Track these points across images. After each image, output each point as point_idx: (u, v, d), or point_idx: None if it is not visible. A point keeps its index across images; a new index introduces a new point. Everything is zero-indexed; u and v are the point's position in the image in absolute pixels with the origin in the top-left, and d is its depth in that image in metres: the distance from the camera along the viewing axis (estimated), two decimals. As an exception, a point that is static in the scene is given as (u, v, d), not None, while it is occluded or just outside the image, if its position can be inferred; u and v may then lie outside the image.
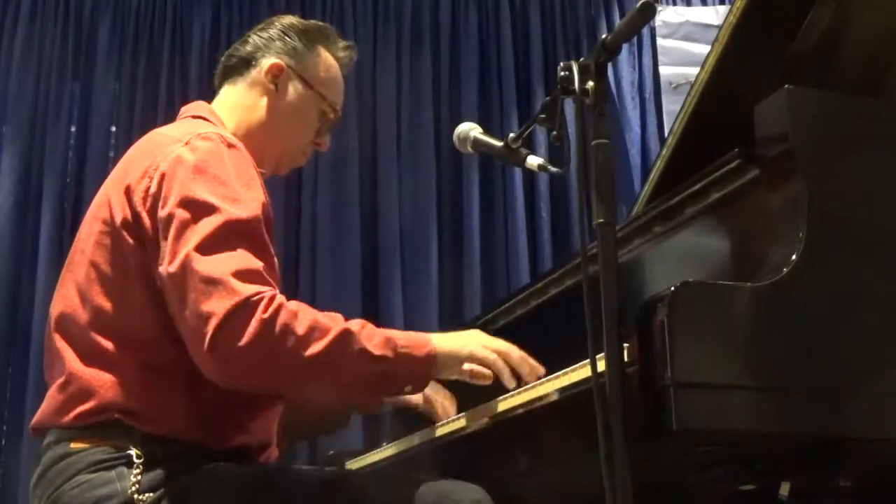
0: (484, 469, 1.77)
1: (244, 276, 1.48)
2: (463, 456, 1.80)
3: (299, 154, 1.92)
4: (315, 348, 1.48)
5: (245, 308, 1.45)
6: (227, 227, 1.52)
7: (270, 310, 1.46)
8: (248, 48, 1.87)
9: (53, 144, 3.90)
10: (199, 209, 1.52)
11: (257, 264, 1.51)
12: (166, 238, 1.52)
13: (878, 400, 1.36)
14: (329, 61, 1.90)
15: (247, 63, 1.86)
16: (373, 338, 1.55)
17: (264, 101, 1.84)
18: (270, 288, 1.49)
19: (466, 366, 1.66)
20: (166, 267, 1.50)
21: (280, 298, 1.49)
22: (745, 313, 1.31)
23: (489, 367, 1.66)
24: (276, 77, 1.84)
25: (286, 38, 1.87)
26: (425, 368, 1.61)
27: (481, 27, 4.27)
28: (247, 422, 1.65)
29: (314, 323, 1.50)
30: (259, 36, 1.89)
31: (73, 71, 4.01)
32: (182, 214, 1.52)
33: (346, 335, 1.52)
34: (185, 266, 1.48)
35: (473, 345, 1.67)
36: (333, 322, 1.53)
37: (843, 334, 1.36)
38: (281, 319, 1.46)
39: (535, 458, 1.66)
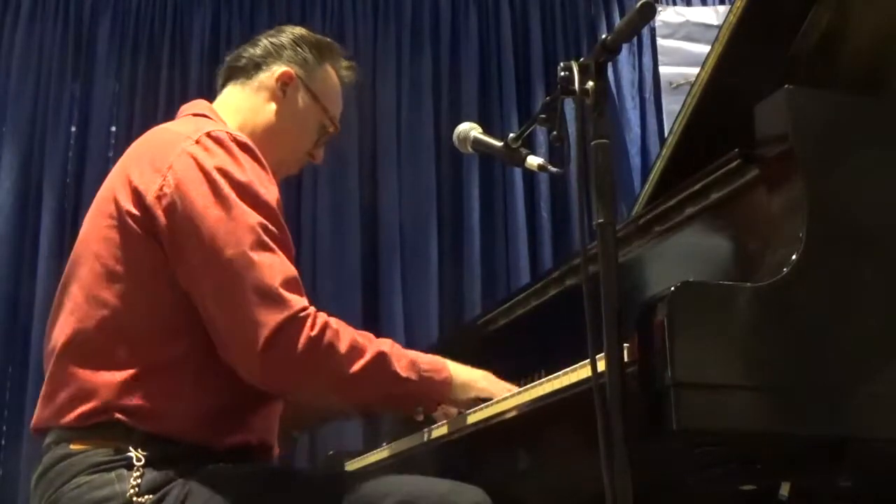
0: (484, 469, 1.77)
1: (290, 286, 1.54)
2: (462, 456, 1.80)
3: (294, 163, 1.95)
4: (355, 367, 1.57)
5: (295, 323, 1.51)
6: (261, 231, 1.56)
7: (317, 328, 1.53)
8: (259, 52, 1.89)
9: (53, 144, 3.89)
10: (229, 212, 1.55)
11: (294, 271, 1.57)
12: (197, 241, 1.54)
13: (878, 400, 1.35)
14: (333, 78, 1.94)
15: (256, 66, 1.88)
16: (401, 359, 1.64)
17: (271, 106, 1.86)
18: (308, 302, 1.56)
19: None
20: (205, 270, 1.54)
21: (323, 316, 1.56)
22: (745, 313, 1.31)
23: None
24: (286, 84, 1.86)
25: (298, 48, 1.89)
26: (441, 392, 1.70)
27: (481, 27, 4.27)
28: (249, 420, 1.65)
29: (354, 342, 1.58)
30: (270, 41, 1.91)
31: (73, 71, 4.01)
32: (212, 216, 1.54)
33: (381, 357, 1.61)
34: (229, 270, 1.53)
35: (488, 382, 1.75)
36: (369, 342, 1.61)
37: (843, 334, 1.36)
38: (327, 338, 1.54)
39: (536, 458, 1.66)
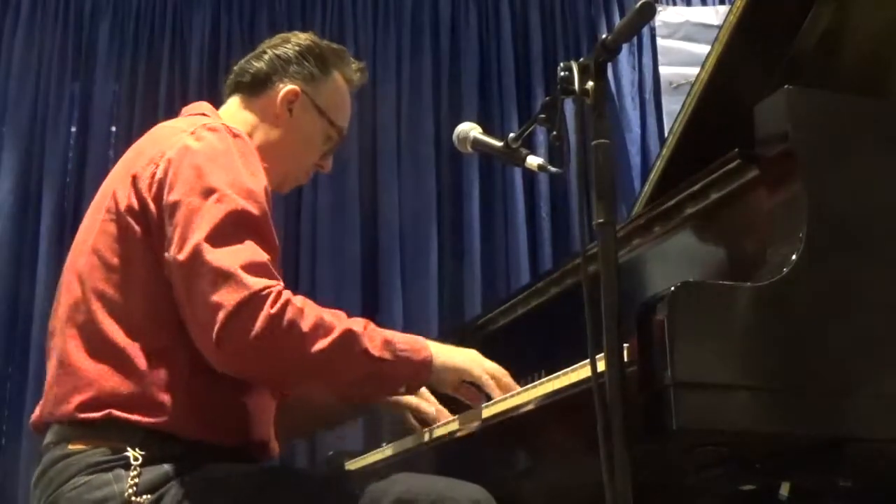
0: (484, 469, 1.77)
1: (253, 269, 1.51)
2: (462, 456, 1.80)
3: (303, 175, 1.98)
4: (319, 346, 1.52)
5: (254, 302, 1.48)
6: (236, 217, 1.54)
7: (278, 305, 1.49)
8: (264, 67, 1.88)
9: (53, 144, 3.90)
10: (207, 197, 1.55)
11: (264, 257, 1.54)
12: (173, 224, 1.55)
13: (878, 400, 1.36)
14: (342, 85, 1.94)
15: (262, 84, 1.87)
16: (374, 339, 1.58)
17: (277, 125, 1.86)
18: (277, 282, 1.52)
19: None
20: (175, 254, 1.53)
21: (287, 294, 1.51)
22: (745, 313, 1.31)
23: (481, 385, 1.70)
24: (292, 103, 1.86)
25: (304, 62, 1.88)
26: (420, 372, 1.65)
27: (481, 27, 4.27)
28: (244, 415, 1.65)
29: (319, 321, 1.53)
30: (275, 53, 1.89)
31: (73, 71, 4.01)
32: (190, 201, 1.55)
33: (348, 335, 1.55)
34: (195, 256, 1.50)
35: (470, 361, 1.70)
36: (338, 320, 1.56)
37: (843, 334, 1.36)
38: (288, 315, 1.49)
39: (535, 458, 1.66)
